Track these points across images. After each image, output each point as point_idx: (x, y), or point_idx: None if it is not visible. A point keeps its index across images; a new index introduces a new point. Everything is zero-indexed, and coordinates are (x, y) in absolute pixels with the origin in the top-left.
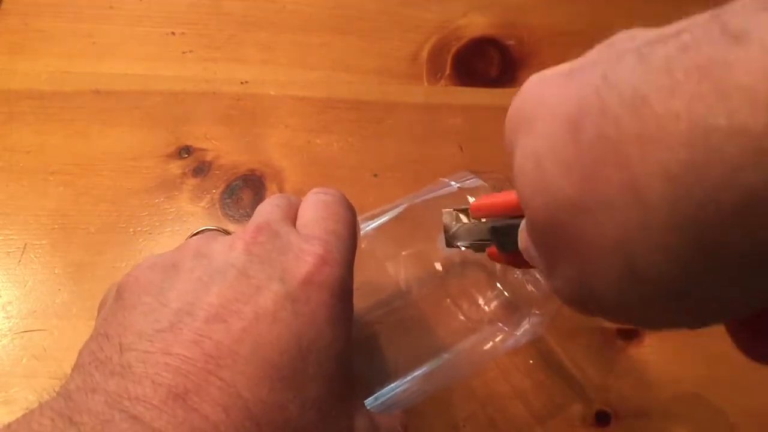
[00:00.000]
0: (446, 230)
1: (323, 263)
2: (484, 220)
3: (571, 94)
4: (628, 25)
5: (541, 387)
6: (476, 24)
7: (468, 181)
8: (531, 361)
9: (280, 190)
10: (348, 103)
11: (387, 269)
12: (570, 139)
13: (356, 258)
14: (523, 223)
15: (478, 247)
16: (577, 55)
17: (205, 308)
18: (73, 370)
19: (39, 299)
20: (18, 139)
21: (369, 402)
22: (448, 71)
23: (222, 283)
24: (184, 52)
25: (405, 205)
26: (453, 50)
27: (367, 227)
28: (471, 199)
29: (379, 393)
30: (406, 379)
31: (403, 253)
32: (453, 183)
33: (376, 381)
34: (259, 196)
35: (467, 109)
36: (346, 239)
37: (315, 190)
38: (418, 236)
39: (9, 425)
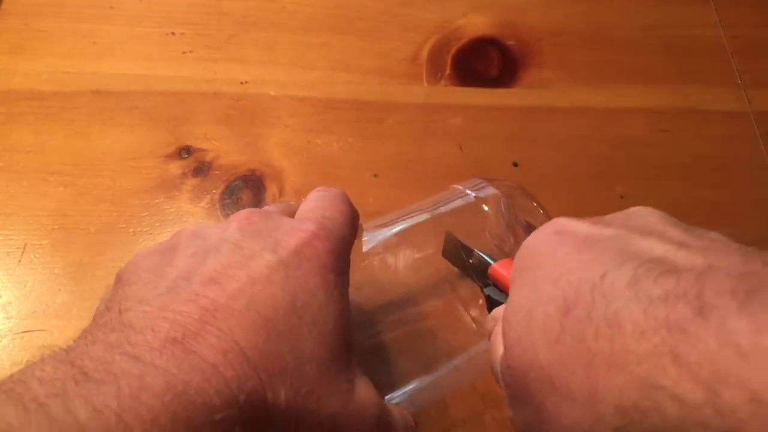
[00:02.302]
0: (447, 252)
1: (315, 237)
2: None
3: (573, 277)
4: (628, 25)
5: None
6: (476, 24)
7: (482, 190)
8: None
9: (280, 190)
10: (348, 103)
11: (400, 276)
12: (559, 321)
13: (370, 264)
14: (500, 351)
15: (466, 273)
16: (577, 54)
17: (200, 274)
18: (75, 340)
19: (39, 299)
20: (18, 139)
21: None
22: (448, 71)
23: (217, 255)
24: (184, 52)
25: (425, 217)
26: (453, 50)
27: (383, 234)
28: (491, 262)
29: (389, 397)
30: (415, 384)
31: (416, 258)
32: (468, 191)
33: (385, 386)
34: (258, 197)
35: (467, 109)
36: (341, 225)
37: (317, 188)
38: (433, 246)
39: (11, 375)
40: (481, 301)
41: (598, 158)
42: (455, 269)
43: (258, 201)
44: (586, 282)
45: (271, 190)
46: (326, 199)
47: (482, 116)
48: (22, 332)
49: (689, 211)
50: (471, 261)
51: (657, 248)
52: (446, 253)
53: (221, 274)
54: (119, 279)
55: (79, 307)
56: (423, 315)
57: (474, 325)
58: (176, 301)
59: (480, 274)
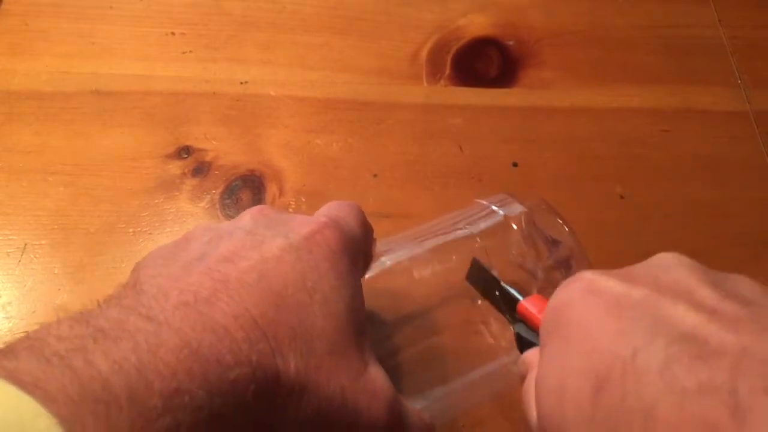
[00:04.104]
0: (471, 278)
1: (326, 227)
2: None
3: (604, 351)
4: (628, 25)
5: None
6: (476, 24)
7: (508, 206)
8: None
9: (280, 190)
10: (348, 103)
11: (420, 291)
12: (590, 399)
13: (391, 278)
14: (532, 405)
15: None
16: (577, 54)
17: (214, 255)
18: None
19: (39, 299)
20: (18, 139)
21: None
22: (448, 71)
23: (230, 239)
24: (184, 52)
25: (451, 234)
26: (453, 50)
27: (408, 248)
28: (519, 297)
29: None
30: (430, 399)
31: (438, 275)
32: (495, 208)
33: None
34: (258, 197)
35: (467, 109)
36: (353, 225)
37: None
38: (456, 263)
39: (27, 334)
40: (495, 319)
41: (598, 158)
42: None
43: (258, 201)
44: (617, 358)
45: (271, 190)
46: (340, 206)
47: (482, 116)
48: (22, 332)
49: (689, 211)
50: (497, 293)
51: (688, 319)
52: (471, 279)
53: (234, 254)
54: (135, 269)
55: (79, 307)
56: (441, 330)
57: (492, 341)
58: (189, 274)
59: (507, 306)
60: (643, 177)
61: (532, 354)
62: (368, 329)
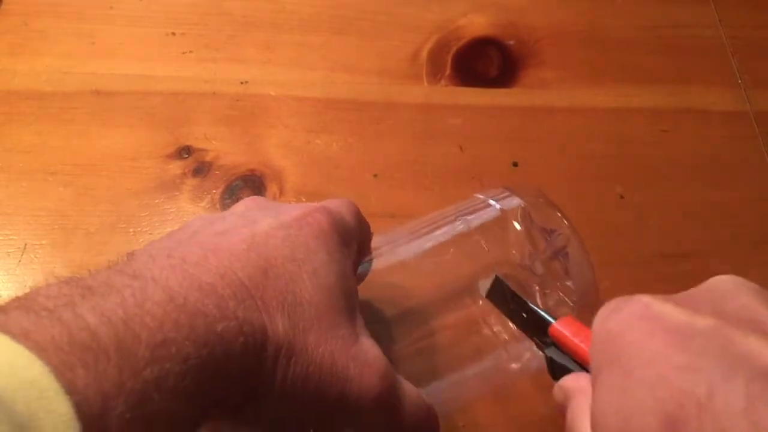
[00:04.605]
0: (492, 295)
1: (317, 211)
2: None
3: (674, 388)
4: (628, 25)
5: (544, 390)
6: (476, 24)
7: (506, 200)
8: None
9: (280, 190)
10: (348, 103)
11: (418, 287)
12: None
13: (388, 274)
14: None
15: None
16: (577, 54)
17: (207, 232)
18: None
19: None
20: (18, 139)
21: None
22: (448, 71)
23: (222, 221)
24: (184, 52)
25: (449, 229)
26: (453, 50)
27: (405, 244)
28: (551, 320)
29: None
30: (428, 392)
31: (437, 270)
32: (492, 202)
33: None
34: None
35: (467, 109)
36: (346, 215)
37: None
38: (455, 259)
39: (17, 296)
40: (497, 318)
41: (598, 158)
42: (473, 279)
43: None
44: (690, 397)
45: (271, 190)
46: (333, 200)
47: (482, 116)
48: None
49: (689, 211)
50: (524, 315)
51: (764, 353)
52: (492, 297)
53: (226, 231)
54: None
55: None
56: (438, 324)
57: (490, 336)
58: (180, 245)
59: (535, 327)
60: (643, 177)
61: (572, 380)
62: (358, 308)
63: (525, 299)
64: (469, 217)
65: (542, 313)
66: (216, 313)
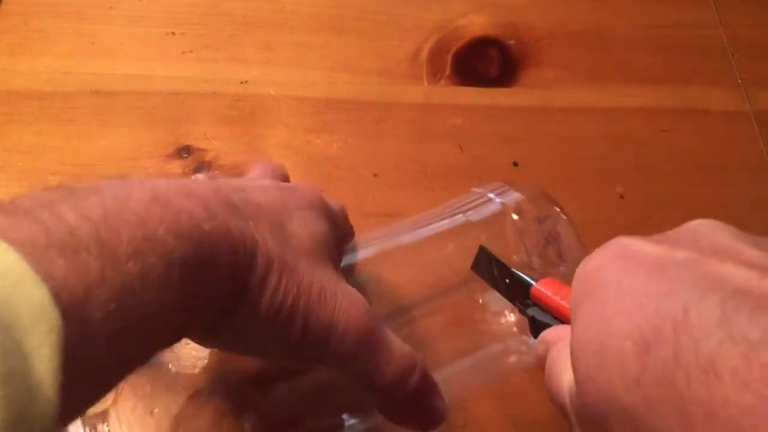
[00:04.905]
0: (478, 267)
1: (307, 186)
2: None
3: (649, 311)
4: (628, 25)
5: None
6: (476, 24)
7: (505, 194)
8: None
9: None
10: (348, 103)
11: (414, 278)
12: (638, 358)
13: (386, 264)
14: (569, 383)
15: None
16: (577, 54)
17: (227, 186)
18: None
19: None
20: (18, 139)
21: None
22: (448, 71)
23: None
24: (184, 52)
25: (448, 222)
26: (453, 50)
27: (403, 237)
28: (532, 282)
29: None
30: None
31: (435, 263)
32: (491, 196)
33: None
34: None
35: (467, 109)
36: (329, 201)
37: None
38: (453, 251)
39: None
40: (508, 313)
41: (598, 158)
42: (474, 275)
43: None
44: (666, 317)
45: None
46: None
47: (482, 116)
48: None
49: (689, 211)
50: (507, 280)
51: (738, 275)
52: (477, 268)
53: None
54: None
55: None
56: (436, 317)
57: (487, 329)
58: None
59: (517, 293)
60: (643, 177)
61: (552, 331)
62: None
63: (508, 265)
64: (468, 212)
65: (524, 276)
66: (203, 214)
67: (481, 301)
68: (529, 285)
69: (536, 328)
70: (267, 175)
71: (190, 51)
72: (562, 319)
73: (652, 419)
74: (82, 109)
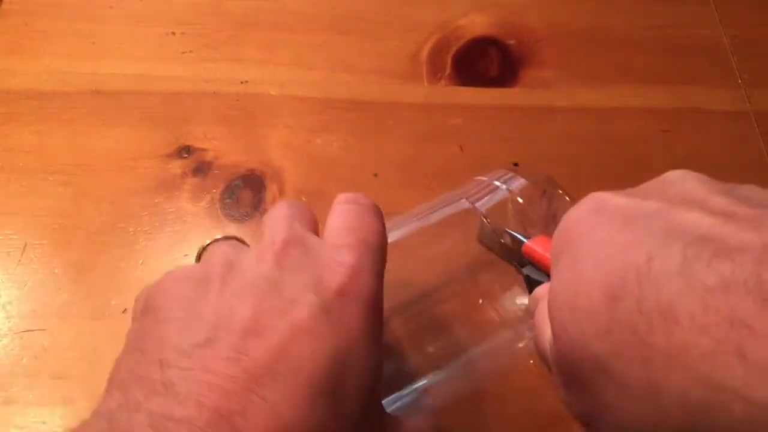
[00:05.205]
0: (482, 237)
1: (356, 273)
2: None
3: (616, 261)
4: (628, 25)
5: (544, 389)
6: (476, 24)
7: (511, 181)
8: (531, 361)
9: (280, 190)
10: (348, 103)
11: (422, 269)
12: (606, 307)
13: (392, 254)
14: (550, 336)
15: (502, 256)
16: (577, 54)
17: (240, 323)
18: (110, 384)
19: (39, 299)
20: (18, 139)
21: (391, 400)
22: (448, 71)
23: (255, 296)
24: (184, 52)
25: (454, 209)
26: (453, 50)
27: (410, 226)
28: (524, 240)
29: (404, 392)
30: (434, 377)
31: (442, 251)
32: (498, 184)
33: (402, 379)
34: (259, 196)
35: (467, 109)
36: (377, 249)
37: (342, 197)
38: (461, 238)
39: None
40: (515, 300)
41: (598, 158)
42: (481, 261)
43: (258, 201)
44: (630, 266)
45: (271, 189)
46: (359, 216)
47: (482, 116)
48: (22, 332)
49: None
50: (504, 241)
51: (703, 222)
52: (481, 238)
53: (261, 324)
54: (149, 309)
55: (79, 307)
56: (443, 306)
57: (495, 317)
58: (217, 357)
59: (515, 254)
60: (644, 177)
61: (542, 288)
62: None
63: (503, 227)
64: (474, 199)
65: (518, 235)
66: None
67: (489, 286)
68: (521, 243)
69: (531, 286)
70: (292, 227)
71: (190, 51)
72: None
73: (620, 366)
74: (82, 109)
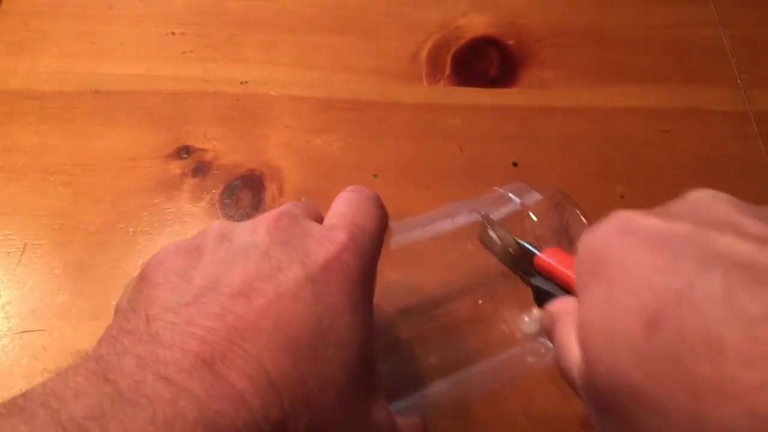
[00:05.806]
0: (483, 239)
1: (344, 249)
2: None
3: (654, 286)
4: (628, 25)
5: (544, 388)
6: (476, 24)
7: (526, 195)
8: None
9: (280, 190)
10: (348, 103)
11: (431, 277)
12: (644, 334)
13: (402, 263)
14: (578, 360)
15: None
16: (577, 54)
17: (228, 285)
18: (99, 341)
19: (39, 299)
20: (18, 139)
21: (396, 406)
22: (447, 71)
23: (245, 262)
24: (184, 52)
25: (473, 220)
26: (453, 50)
27: (419, 234)
28: (536, 251)
29: (408, 400)
30: (439, 384)
31: (451, 260)
32: (512, 196)
33: (406, 386)
34: (258, 197)
35: (467, 109)
36: (372, 233)
37: (348, 188)
38: (470, 248)
39: (45, 383)
40: (525, 316)
41: (597, 158)
42: (493, 273)
43: (258, 201)
44: (670, 292)
45: (271, 190)
46: (358, 202)
47: (482, 116)
48: (22, 332)
49: None
50: (511, 250)
51: (739, 248)
52: (482, 239)
53: (249, 286)
54: (143, 276)
55: (79, 307)
56: (452, 317)
57: (505, 330)
58: (203, 314)
59: (522, 262)
60: (643, 177)
61: (559, 303)
62: (377, 364)
63: (512, 236)
64: (487, 210)
65: (528, 246)
66: (243, 430)
67: (500, 299)
68: (533, 254)
69: (540, 297)
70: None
71: (190, 51)
72: (566, 288)
73: (661, 395)
74: (82, 109)
